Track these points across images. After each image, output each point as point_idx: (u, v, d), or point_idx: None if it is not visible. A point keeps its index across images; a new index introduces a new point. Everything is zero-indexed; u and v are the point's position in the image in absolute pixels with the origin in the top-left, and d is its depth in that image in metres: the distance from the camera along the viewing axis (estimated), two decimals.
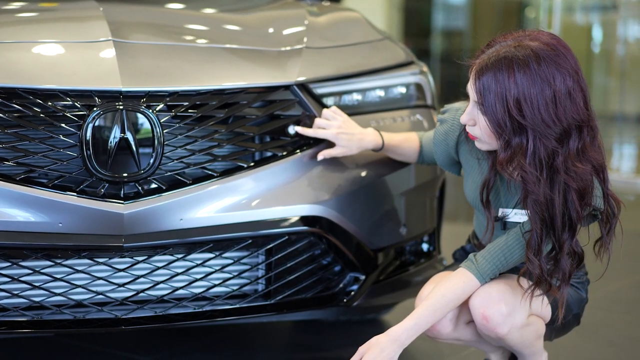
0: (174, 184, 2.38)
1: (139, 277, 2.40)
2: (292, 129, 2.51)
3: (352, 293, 2.58)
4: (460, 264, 2.29)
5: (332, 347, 2.97)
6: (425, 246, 2.87)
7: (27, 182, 2.29)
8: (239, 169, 2.44)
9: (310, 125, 2.53)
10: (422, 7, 12.12)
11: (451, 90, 10.34)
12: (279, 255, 2.50)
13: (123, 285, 2.39)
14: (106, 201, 2.30)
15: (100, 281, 2.38)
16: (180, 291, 2.45)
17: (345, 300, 2.58)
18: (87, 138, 2.29)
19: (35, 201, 2.27)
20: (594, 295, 2.85)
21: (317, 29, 2.82)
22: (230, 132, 2.45)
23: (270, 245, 2.48)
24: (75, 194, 2.30)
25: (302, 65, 2.60)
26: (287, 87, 2.53)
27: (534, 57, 2.07)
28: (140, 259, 2.39)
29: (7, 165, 2.29)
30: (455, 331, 2.28)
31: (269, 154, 2.49)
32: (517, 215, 2.23)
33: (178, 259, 2.42)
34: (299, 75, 2.56)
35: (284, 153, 2.49)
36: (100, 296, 2.39)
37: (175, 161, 2.38)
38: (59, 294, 2.36)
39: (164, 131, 2.35)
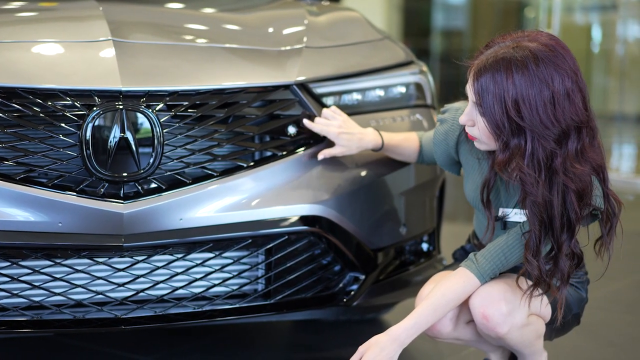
0: (174, 183, 2.37)
1: (138, 276, 2.40)
2: (292, 129, 2.51)
3: (352, 293, 2.58)
4: (460, 263, 2.28)
5: (332, 347, 2.97)
6: (425, 246, 2.87)
7: (27, 181, 2.29)
8: (238, 169, 2.44)
9: None
10: (421, 7, 12.12)
11: (451, 90, 10.33)
12: (279, 255, 2.49)
13: (123, 285, 2.39)
14: (106, 201, 2.30)
15: (100, 281, 2.38)
16: (180, 291, 2.44)
17: (345, 300, 2.58)
18: (87, 138, 2.29)
19: (34, 201, 2.27)
20: (594, 295, 2.85)
21: (317, 29, 2.82)
22: (230, 132, 2.45)
23: (270, 245, 2.48)
24: (75, 193, 2.30)
25: (301, 64, 2.59)
26: (286, 87, 2.53)
27: (532, 58, 2.07)
28: (139, 258, 2.39)
29: (7, 164, 2.29)
30: (455, 331, 2.28)
31: (268, 153, 2.49)
32: (518, 215, 2.23)
33: (178, 259, 2.42)
34: (299, 74, 2.56)
35: (284, 153, 2.49)
36: (100, 296, 2.39)
37: (175, 161, 2.38)
38: (59, 294, 2.36)
39: (164, 131, 2.34)
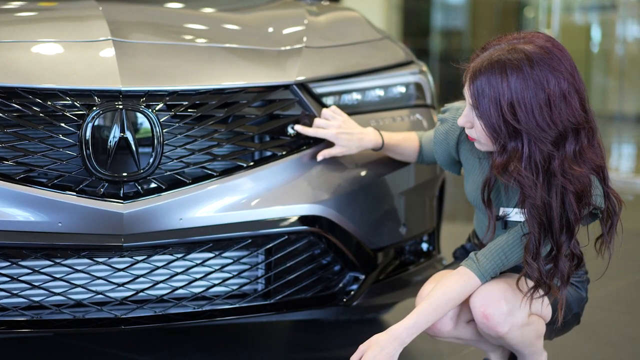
0: (174, 183, 2.37)
1: (138, 276, 2.39)
2: (291, 129, 2.51)
3: (352, 292, 2.58)
4: (460, 262, 2.28)
5: (332, 347, 2.97)
6: (424, 246, 2.87)
7: (27, 181, 2.29)
8: (238, 169, 2.44)
9: (309, 125, 2.53)
10: (421, 7, 12.11)
11: (450, 89, 10.32)
12: (279, 255, 2.49)
13: (122, 284, 2.39)
14: (106, 201, 2.30)
15: (100, 281, 2.38)
16: (180, 291, 2.44)
17: (344, 299, 2.58)
18: (87, 137, 2.29)
19: (34, 201, 2.27)
20: (594, 295, 2.85)
21: (317, 29, 2.82)
22: (229, 132, 2.45)
23: (270, 245, 2.48)
24: (74, 193, 2.30)
25: (301, 64, 2.59)
26: (286, 87, 2.53)
27: (527, 60, 2.06)
28: (139, 258, 2.39)
29: (7, 164, 2.29)
30: (455, 330, 2.28)
31: (268, 153, 2.49)
32: (518, 215, 2.23)
33: (177, 259, 2.42)
34: (299, 74, 2.56)
35: (284, 153, 2.49)
36: (100, 296, 2.39)
37: (175, 161, 2.38)
38: (59, 294, 2.36)
39: (164, 131, 2.34)
